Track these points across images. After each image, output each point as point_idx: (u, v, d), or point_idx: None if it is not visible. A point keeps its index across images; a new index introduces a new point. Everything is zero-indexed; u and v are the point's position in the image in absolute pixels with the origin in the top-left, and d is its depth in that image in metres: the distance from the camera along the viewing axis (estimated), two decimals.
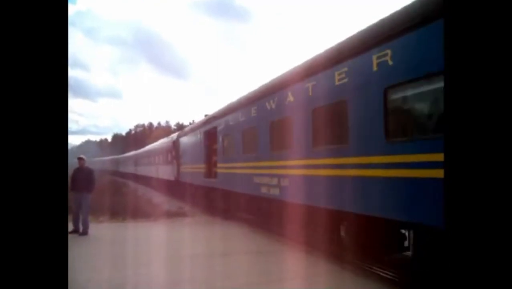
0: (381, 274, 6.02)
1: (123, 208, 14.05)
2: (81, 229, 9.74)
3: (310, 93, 7.09)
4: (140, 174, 34.05)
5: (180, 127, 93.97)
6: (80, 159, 10.32)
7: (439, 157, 4.11)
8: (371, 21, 5.91)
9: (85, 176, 10.04)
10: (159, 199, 20.13)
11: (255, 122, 9.56)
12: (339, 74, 6.28)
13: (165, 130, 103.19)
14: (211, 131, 13.46)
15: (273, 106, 8.62)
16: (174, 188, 20.37)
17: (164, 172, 22.29)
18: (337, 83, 6.32)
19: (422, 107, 4.97)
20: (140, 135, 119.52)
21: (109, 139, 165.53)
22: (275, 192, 8.42)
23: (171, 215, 13.59)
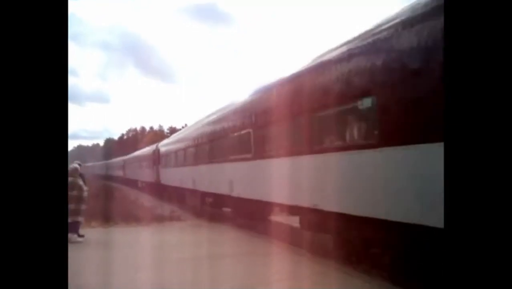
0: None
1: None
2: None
3: None
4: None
5: (172, 130, 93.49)
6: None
7: None
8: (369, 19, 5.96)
9: None
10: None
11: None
12: None
13: (158, 134, 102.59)
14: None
15: None
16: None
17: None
18: None
19: None
20: (133, 140, 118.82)
21: (101, 144, 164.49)
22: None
23: (163, 218, 13.74)
